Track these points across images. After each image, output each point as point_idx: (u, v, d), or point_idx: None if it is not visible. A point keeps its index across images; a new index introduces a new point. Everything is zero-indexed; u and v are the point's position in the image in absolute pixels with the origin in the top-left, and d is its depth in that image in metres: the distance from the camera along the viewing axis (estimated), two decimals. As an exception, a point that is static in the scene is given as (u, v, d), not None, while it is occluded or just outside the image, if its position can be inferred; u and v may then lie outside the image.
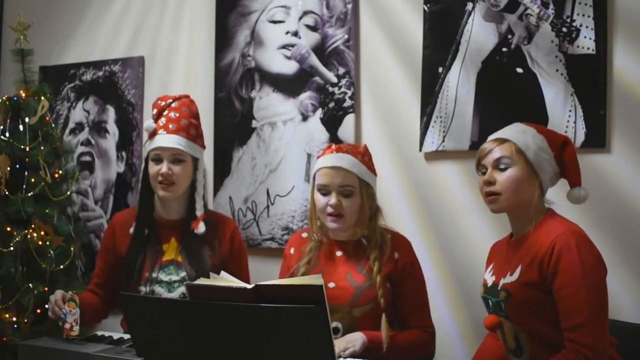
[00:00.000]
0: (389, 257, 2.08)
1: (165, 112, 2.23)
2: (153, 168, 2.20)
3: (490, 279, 1.91)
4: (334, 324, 2.02)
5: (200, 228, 2.22)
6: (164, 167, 2.18)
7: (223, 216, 2.42)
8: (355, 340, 1.94)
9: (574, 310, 1.66)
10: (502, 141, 1.84)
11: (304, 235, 2.23)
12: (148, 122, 2.24)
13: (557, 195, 1.90)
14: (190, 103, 2.28)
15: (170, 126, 2.20)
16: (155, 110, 2.25)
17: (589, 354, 1.62)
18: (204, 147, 2.31)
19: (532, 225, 1.82)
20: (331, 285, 2.06)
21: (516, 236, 1.88)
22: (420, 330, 2.09)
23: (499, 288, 1.82)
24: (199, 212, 2.25)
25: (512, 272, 1.80)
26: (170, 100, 2.25)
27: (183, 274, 2.18)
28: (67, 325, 1.93)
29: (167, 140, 2.18)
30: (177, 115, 2.22)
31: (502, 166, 1.81)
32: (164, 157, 2.19)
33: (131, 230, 2.25)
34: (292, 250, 2.23)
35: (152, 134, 2.22)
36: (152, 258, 2.20)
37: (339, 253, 2.12)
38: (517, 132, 1.85)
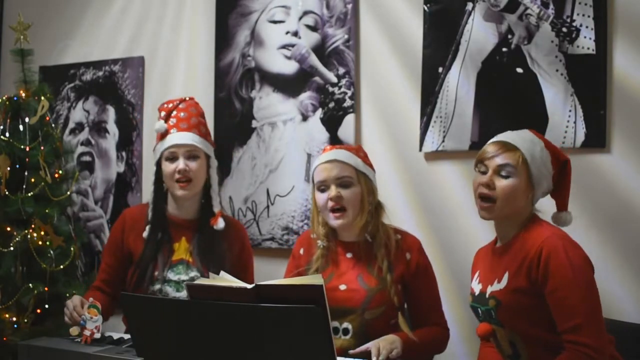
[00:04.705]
0: (401, 258, 2.08)
1: (174, 113, 2.25)
2: (168, 167, 2.20)
3: (477, 288, 1.90)
4: (344, 325, 2.03)
5: (220, 223, 2.23)
6: (180, 164, 2.18)
7: (235, 220, 2.43)
8: (395, 341, 1.94)
9: (569, 313, 1.66)
10: (510, 147, 1.80)
11: (314, 235, 2.20)
12: (159, 123, 2.24)
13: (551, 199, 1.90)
14: (196, 104, 2.32)
15: (182, 125, 2.22)
16: (163, 113, 2.26)
17: (592, 353, 1.62)
18: (214, 145, 2.32)
19: (517, 232, 1.81)
20: (342, 287, 2.05)
21: (501, 242, 1.87)
22: (439, 327, 2.12)
23: (487, 296, 1.81)
24: (217, 208, 2.26)
25: (499, 280, 1.79)
26: (177, 102, 2.27)
27: (192, 273, 2.19)
28: (87, 332, 1.91)
29: (182, 137, 2.20)
30: (186, 114, 2.25)
31: (504, 173, 1.78)
32: (180, 154, 2.19)
33: (145, 234, 2.24)
34: (301, 251, 2.22)
35: (164, 135, 2.23)
36: (163, 257, 2.20)
37: (348, 255, 2.12)
38: (527, 141, 1.81)
